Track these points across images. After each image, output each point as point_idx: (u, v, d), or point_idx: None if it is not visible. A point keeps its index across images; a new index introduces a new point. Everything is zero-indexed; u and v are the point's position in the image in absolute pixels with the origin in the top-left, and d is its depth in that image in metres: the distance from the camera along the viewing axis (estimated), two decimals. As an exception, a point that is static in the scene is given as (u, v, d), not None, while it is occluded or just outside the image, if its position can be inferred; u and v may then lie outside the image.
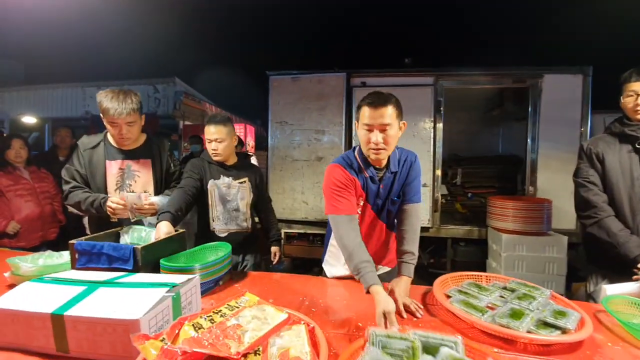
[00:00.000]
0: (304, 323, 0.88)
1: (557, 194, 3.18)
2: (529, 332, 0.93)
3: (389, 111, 1.23)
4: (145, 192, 1.72)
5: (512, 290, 1.19)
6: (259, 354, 0.74)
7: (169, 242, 1.38)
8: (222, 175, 1.86)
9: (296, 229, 3.73)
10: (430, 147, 3.38)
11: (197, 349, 0.68)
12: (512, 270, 2.95)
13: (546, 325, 0.95)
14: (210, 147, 1.83)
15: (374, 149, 1.27)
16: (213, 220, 1.85)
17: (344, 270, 1.51)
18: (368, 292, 1.13)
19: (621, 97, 1.56)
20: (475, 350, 0.80)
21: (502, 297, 1.16)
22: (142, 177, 1.77)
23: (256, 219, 2.07)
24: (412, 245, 1.35)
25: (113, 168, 1.72)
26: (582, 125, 3.28)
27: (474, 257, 3.52)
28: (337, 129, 3.51)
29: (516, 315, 0.99)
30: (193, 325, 0.77)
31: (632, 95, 1.50)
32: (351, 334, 0.99)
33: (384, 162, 1.37)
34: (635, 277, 1.36)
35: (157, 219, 1.50)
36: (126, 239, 1.52)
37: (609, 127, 1.65)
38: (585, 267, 1.76)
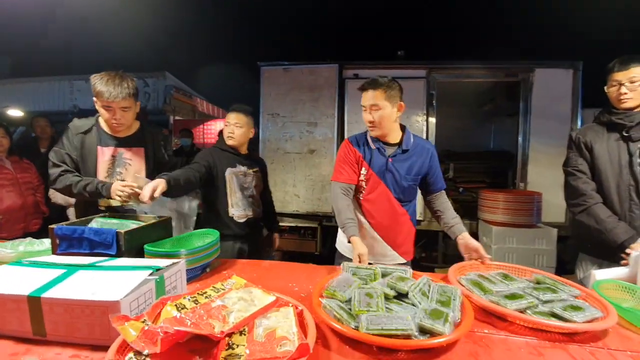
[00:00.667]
0: (292, 305, 0.85)
1: (547, 188, 3.20)
2: (521, 312, 0.93)
3: (376, 94, 1.46)
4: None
5: (538, 282, 1.13)
6: (245, 334, 0.71)
7: (154, 228, 1.34)
8: (237, 164, 1.94)
9: (287, 223, 3.70)
10: (423, 141, 3.37)
11: (179, 327, 0.65)
12: (502, 263, 2.96)
13: (554, 316, 0.92)
14: (226, 130, 1.93)
15: (370, 127, 1.53)
16: (232, 207, 1.92)
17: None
18: (349, 241, 1.43)
19: (606, 87, 1.59)
20: (418, 275, 1.13)
21: (524, 287, 1.09)
22: (134, 165, 1.72)
23: None
24: (453, 212, 1.59)
25: (105, 154, 1.66)
26: (572, 120, 3.31)
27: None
28: (329, 121, 3.48)
29: (513, 297, 0.98)
30: (176, 305, 0.74)
31: (615, 85, 1.52)
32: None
33: (389, 139, 1.57)
34: (623, 262, 1.36)
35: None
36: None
37: (598, 117, 1.66)
38: (573, 259, 1.77)
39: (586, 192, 1.56)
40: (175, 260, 1.01)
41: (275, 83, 3.44)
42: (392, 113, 1.49)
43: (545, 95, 3.33)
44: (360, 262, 1.30)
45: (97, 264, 1.00)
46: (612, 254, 1.44)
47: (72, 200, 2.22)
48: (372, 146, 1.57)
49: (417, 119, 3.36)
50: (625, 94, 1.49)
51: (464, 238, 1.46)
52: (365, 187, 1.59)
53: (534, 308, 0.96)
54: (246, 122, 1.94)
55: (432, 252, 3.87)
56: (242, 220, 1.94)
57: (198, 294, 0.82)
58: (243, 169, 1.95)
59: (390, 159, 1.54)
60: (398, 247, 1.64)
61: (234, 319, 0.73)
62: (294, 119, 3.49)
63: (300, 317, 0.84)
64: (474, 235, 3.42)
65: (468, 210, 3.79)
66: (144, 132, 1.77)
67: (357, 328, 0.82)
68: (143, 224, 1.32)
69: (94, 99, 1.56)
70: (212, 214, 1.92)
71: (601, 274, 1.22)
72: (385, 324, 0.80)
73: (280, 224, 3.72)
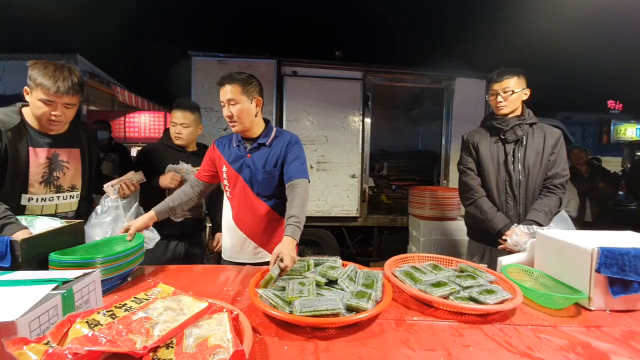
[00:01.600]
0: (226, 311, 0.81)
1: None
2: (444, 298, 1.02)
3: (232, 88, 1.42)
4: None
5: (461, 271, 1.25)
6: (172, 347, 0.65)
7: (61, 234, 1.15)
8: (181, 161, 1.88)
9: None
10: (359, 140, 3.50)
11: (91, 347, 0.57)
12: (429, 253, 3.24)
13: (472, 300, 1.03)
14: (173, 130, 1.88)
15: (230, 122, 1.48)
16: None
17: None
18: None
19: (487, 96, 1.83)
20: (346, 264, 1.25)
21: (449, 276, 1.20)
22: (71, 169, 1.49)
23: None
24: (296, 209, 1.35)
25: (40, 157, 1.39)
26: (484, 124, 3.75)
27: (397, 243, 3.78)
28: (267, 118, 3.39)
29: (439, 285, 1.08)
30: (87, 322, 0.65)
31: (493, 95, 1.75)
32: (278, 320, 0.95)
33: (251, 134, 1.54)
34: (500, 246, 1.64)
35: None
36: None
37: (483, 122, 1.92)
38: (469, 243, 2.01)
39: (473, 187, 1.81)
40: (87, 271, 0.88)
41: (209, 75, 3.24)
42: (250, 108, 1.46)
43: (464, 102, 3.71)
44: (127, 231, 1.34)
45: (-18, 280, 0.83)
46: (494, 240, 1.71)
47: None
48: (234, 143, 1.57)
49: (353, 119, 3.47)
50: (501, 102, 1.72)
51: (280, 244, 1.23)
52: (227, 184, 1.59)
53: (455, 294, 1.06)
54: (193, 119, 1.88)
55: (368, 246, 4.05)
56: (178, 220, 1.85)
57: (115, 307, 0.73)
58: (186, 166, 1.87)
59: (248, 154, 1.53)
60: (266, 245, 1.59)
61: (160, 332, 0.67)
62: (231, 115, 3.34)
63: (235, 322, 0.80)
64: (405, 230, 3.69)
65: (399, 206, 4.06)
66: (77, 129, 1.54)
67: (291, 312, 0.89)
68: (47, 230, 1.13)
69: (27, 89, 1.32)
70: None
71: (506, 260, 1.40)
72: (317, 306, 0.89)
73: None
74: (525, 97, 1.75)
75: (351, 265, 1.21)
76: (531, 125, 1.74)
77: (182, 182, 1.78)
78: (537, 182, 1.72)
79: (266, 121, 1.60)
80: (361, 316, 0.89)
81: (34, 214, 1.38)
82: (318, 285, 1.07)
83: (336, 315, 0.88)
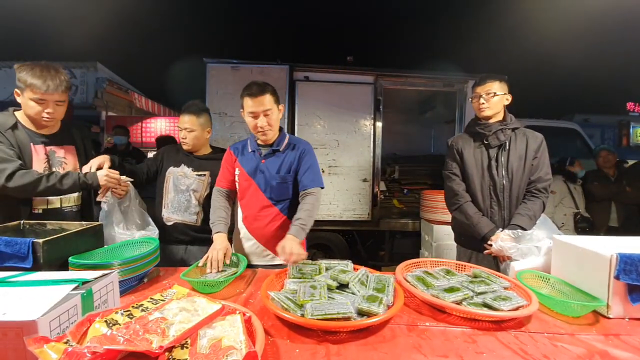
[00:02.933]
0: (239, 313, 0.82)
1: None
2: (457, 304, 1.00)
3: (269, 98, 1.47)
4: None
5: (475, 276, 1.23)
6: (187, 347, 0.67)
7: (81, 236, 1.19)
8: (182, 164, 1.85)
9: (236, 226, 3.57)
10: (370, 144, 3.50)
11: (110, 346, 0.59)
12: (442, 259, 3.19)
13: (486, 306, 1.01)
14: (180, 135, 1.85)
15: (261, 132, 1.51)
16: (164, 207, 1.84)
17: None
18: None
19: (470, 99, 1.83)
20: (357, 268, 1.26)
21: (462, 281, 1.18)
22: (69, 164, 1.57)
23: None
24: (303, 213, 1.44)
25: (39, 153, 1.48)
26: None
27: (409, 248, 3.74)
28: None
29: (452, 290, 1.06)
30: (106, 321, 0.67)
31: (476, 97, 1.75)
32: (290, 322, 0.96)
33: (271, 141, 1.58)
34: (486, 252, 1.63)
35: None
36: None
37: (467, 127, 1.91)
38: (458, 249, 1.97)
39: (458, 192, 1.80)
40: (106, 272, 0.91)
41: (223, 81, 3.31)
42: (278, 116, 1.54)
43: (477, 105, 3.67)
44: (208, 257, 1.31)
45: (8, 280, 0.87)
46: (480, 245, 1.70)
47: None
48: (250, 149, 1.60)
49: (365, 123, 3.47)
50: (483, 104, 1.72)
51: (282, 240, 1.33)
52: (239, 188, 1.62)
53: (469, 300, 1.04)
54: (199, 124, 1.83)
55: (379, 250, 4.02)
56: (169, 223, 1.83)
57: (133, 307, 0.75)
58: (186, 170, 1.83)
59: (263, 160, 1.57)
60: (275, 248, 1.56)
61: (175, 332, 0.68)
62: (243, 119, 3.38)
63: (248, 324, 0.81)
64: (417, 234, 3.65)
65: (411, 211, 4.02)
66: (70, 129, 1.62)
67: (303, 315, 0.90)
68: (68, 232, 1.17)
69: (17, 91, 1.40)
70: (152, 213, 1.79)
71: (519, 265, 1.37)
72: (328, 310, 0.89)
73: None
74: (507, 103, 1.77)
75: (362, 269, 1.22)
76: (514, 130, 1.75)
77: (124, 186, 1.57)
78: (520, 186, 1.72)
79: (279, 128, 1.63)
80: (372, 320, 0.89)
81: (41, 207, 1.48)
82: (329, 288, 1.08)
83: (347, 319, 0.88)
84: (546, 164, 1.73)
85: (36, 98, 1.38)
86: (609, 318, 1.03)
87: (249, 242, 1.63)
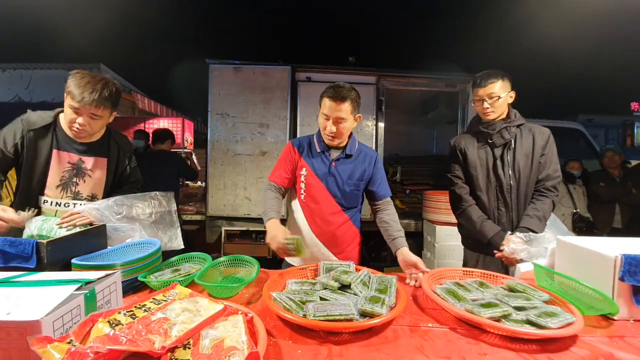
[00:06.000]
0: (241, 313, 0.82)
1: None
2: (495, 320, 0.90)
3: (348, 107, 1.43)
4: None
5: (511, 290, 1.11)
6: (189, 348, 0.67)
7: (85, 237, 1.20)
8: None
9: (238, 227, 3.58)
10: (373, 144, 3.50)
11: (113, 346, 0.59)
12: (444, 260, 3.19)
13: (529, 323, 0.90)
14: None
15: (329, 136, 1.49)
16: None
17: None
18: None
19: (472, 102, 1.74)
20: (359, 268, 1.24)
21: (497, 294, 1.07)
22: (94, 177, 1.53)
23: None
24: (396, 224, 1.53)
25: (62, 160, 1.44)
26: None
27: (412, 249, 3.71)
28: (281, 123, 3.44)
29: (489, 305, 0.95)
30: (109, 321, 0.67)
31: (479, 101, 1.67)
32: (292, 323, 0.96)
33: (341, 145, 1.56)
34: (497, 254, 1.56)
35: None
36: (32, 230, 1.28)
37: (469, 126, 1.84)
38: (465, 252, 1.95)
39: (462, 196, 1.75)
40: (109, 272, 0.92)
41: (225, 82, 3.32)
42: (353, 125, 1.50)
43: (479, 105, 3.66)
44: (270, 244, 1.34)
45: (12, 280, 0.87)
46: (487, 248, 1.65)
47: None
48: (317, 149, 1.56)
49: (367, 124, 3.47)
50: (487, 108, 1.64)
51: (402, 254, 1.40)
52: (305, 188, 1.56)
53: (508, 317, 0.93)
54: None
55: (381, 252, 4.01)
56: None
57: (135, 307, 0.75)
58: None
59: (334, 163, 1.54)
60: (339, 253, 1.60)
61: (177, 332, 0.68)
62: (245, 120, 3.40)
63: (250, 324, 0.81)
64: (420, 235, 3.64)
65: (414, 212, 4.01)
66: (110, 139, 1.57)
67: (305, 316, 0.90)
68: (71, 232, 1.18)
69: (65, 94, 1.38)
70: None
71: (525, 267, 1.36)
72: (330, 311, 0.89)
73: (231, 228, 3.62)
74: (510, 100, 1.68)
75: (364, 270, 1.21)
76: (518, 126, 1.67)
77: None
78: (528, 186, 1.65)
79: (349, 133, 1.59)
80: (375, 321, 0.88)
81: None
82: (331, 289, 1.07)
83: (350, 320, 0.88)
84: (554, 161, 1.65)
85: (72, 106, 1.36)
86: (613, 320, 1.02)
87: (316, 247, 1.58)
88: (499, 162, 1.67)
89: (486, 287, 1.11)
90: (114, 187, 1.63)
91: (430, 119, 5.02)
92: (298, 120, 3.41)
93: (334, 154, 1.55)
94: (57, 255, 1.07)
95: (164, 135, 3.83)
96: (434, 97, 4.51)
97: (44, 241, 1.03)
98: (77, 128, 1.39)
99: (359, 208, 1.65)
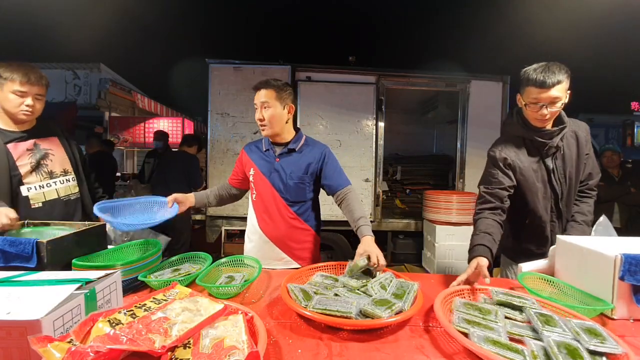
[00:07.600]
0: (241, 313, 0.82)
1: (481, 189, 3.51)
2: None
3: (267, 92, 1.48)
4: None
5: (514, 308, 0.97)
6: (189, 347, 0.67)
7: (85, 237, 1.20)
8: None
9: (238, 226, 3.58)
10: (372, 144, 3.50)
11: (113, 345, 0.59)
12: (444, 259, 3.19)
13: (590, 352, 0.76)
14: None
15: (260, 125, 1.52)
16: None
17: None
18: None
19: (521, 100, 1.40)
20: (386, 270, 1.23)
21: (509, 318, 0.94)
22: (57, 154, 1.58)
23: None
24: (358, 212, 1.45)
25: (19, 149, 1.47)
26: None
27: (412, 248, 3.74)
28: (281, 123, 3.43)
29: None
30: (109, 321, 0.67)
31: (535, 104, 1.32)
32: (292, 322, 0.96)
33: (281, 140, 1.58)
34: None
35: None
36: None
37: (509, 130, 1.52)
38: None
39: (491, 200, 1.44)
40: (109, 271, 0.92)
41: (225, 82, 3.32)
42: (282, 114, 1.51)
43: (480, 105, 3.66)
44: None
45: (12, 279, 0.87)
46: (524, 256, 1.51)
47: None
48: (264, 147, 1.61)
49: (367, 123, 3.47)
50: (546, 115, 1.32)
51: (362, 241, 1.32)
52: (254, 187, 1.60)
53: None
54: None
55: (382, 251, 4.01)
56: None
57: (136, 307, 0.75)
58: None
59: (277, 159, 1.56)
60: (291, 251, 1.60)
61: (177, 332, 0.68)
62: (245, 120, 3.40)
63: (250, 324, 0.81)
64: (420, 234, 3.64)
65: (414, 211, 4.01)
66: (46, 124, 1.63)
67: (306, 307, 0.93)
68: (71, 231, 1.18)
69: (1, 85, 1.41)
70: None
71: (526, 267, 1.36)
72: (330, 306, 0.92)
73: (230, 228, 3.62)
74: (566, 101, 1.35)
75: (388, 273, 1.18)
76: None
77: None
78: (575, 190, 1.50)
79: (297, 129, 1.63)
80: (369, 322, 0.89)
81: (39, 201, 1.50)
82: (349, 288, 1.09)
83: (348, 318, 0.89)
84: (593, 157, 1.50)
85: (17, 90, 1.41)
86: (613, 319, 1.02)
87: (265, 244, 1.60)
88: (551, 173, 1.46)
89: (486, 313, 0.92)
90: (79, 165, 1.69)
91: (430, 118, 5.02)
92: (298, 119, 3.41)
93: (278, 150, 1.58)
94: (57, 255, 1.07)
95: (192, 140, 4.03)
96: (434, 96, 4.51)
97: (44, 241, 1.03)
98: (26, 110, 1.45)
99: (309, 205, 1.62)
